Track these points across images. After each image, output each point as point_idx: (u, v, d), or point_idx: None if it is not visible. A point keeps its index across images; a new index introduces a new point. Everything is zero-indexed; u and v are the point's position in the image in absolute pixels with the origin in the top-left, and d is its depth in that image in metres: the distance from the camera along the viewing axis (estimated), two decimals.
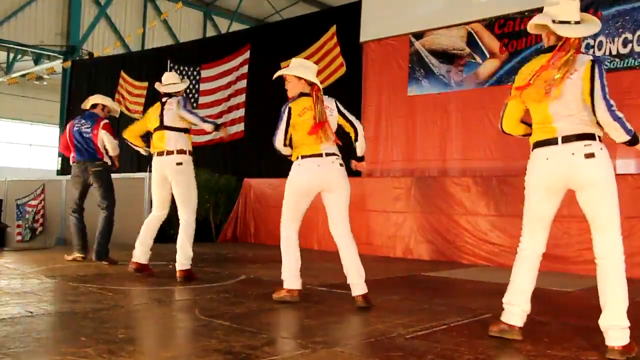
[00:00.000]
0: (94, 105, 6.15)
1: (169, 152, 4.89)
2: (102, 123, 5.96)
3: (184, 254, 4.76)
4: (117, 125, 12.51)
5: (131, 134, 5.35)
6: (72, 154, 6.08)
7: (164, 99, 5.10)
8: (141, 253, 5.00)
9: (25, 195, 10.79)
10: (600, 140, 2.75)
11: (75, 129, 6.02)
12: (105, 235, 5.81)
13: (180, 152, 4.89)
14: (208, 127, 4.94)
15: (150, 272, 5.02)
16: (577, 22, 2.86)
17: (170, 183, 4.92)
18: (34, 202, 10.65)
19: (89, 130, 5.95)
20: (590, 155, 2.70)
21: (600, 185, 2.74)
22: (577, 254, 5.75)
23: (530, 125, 2.97)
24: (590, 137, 2.73)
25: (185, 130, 4.98)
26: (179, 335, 3.02)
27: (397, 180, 7.56)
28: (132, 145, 5.40)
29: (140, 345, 2.61)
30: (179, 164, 4.86)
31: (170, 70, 11.87)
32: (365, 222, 7.50)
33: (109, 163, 5.99)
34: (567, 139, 2.74)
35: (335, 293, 4.29)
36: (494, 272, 5.73)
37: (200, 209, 9.21)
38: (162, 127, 4.97)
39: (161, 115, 4.99)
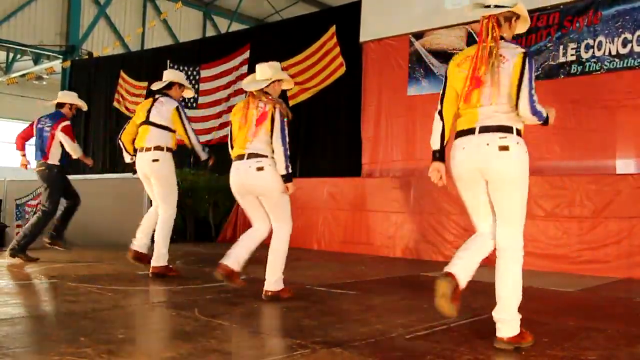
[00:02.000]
0: (61, 105, 6.08)
1: (147, 149, 4.91)
2: (61, 125, 5.88)
3: (157, 250, 4.84)
4: (117, 125, 12.58)
5: (126, 137, 5.20)
6: (21, 152, 6.19)
7: (156, 96, 5.08)
8: (140, 242, 5.01)
9: (25, 195, 10.78)
10: (518, 134, 2.75)
11: (39, 126, 6.02)
12: (30, 234, 5.77)
13: (157, 148, 4.88)
14: (202, 155, 4.98)
15: (148, 262, 4.98)
16: (499, 6, 2.82)
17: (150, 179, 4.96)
18: (33, 202, 10.63)
19: (48, 129, 5.93)
20: (504, 148, 2.70)
21: (509, 179, 2.74)
22: (577, 254, 5.75)
23: None
24: (508, 129, 2.73)
25: (169, 129, 4.93)
26: (179, 335, 3.01)
27: (397, 180, 7.56)
28: (123, 149, 5.24)
29: (139, 345, 2.61)
30: (155, 160, 4.87)
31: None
32: (365, 222, 7.50)
33: (57, 164, 5.89)
34: (485, 129, 2.75)
35: (335, 293, 4.28)
36: (494, 273, 5.72)
37: (200, 209, 9.28)
38: (146, 122, 4.95)
39: (149, 111, 4.97)
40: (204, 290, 4.32)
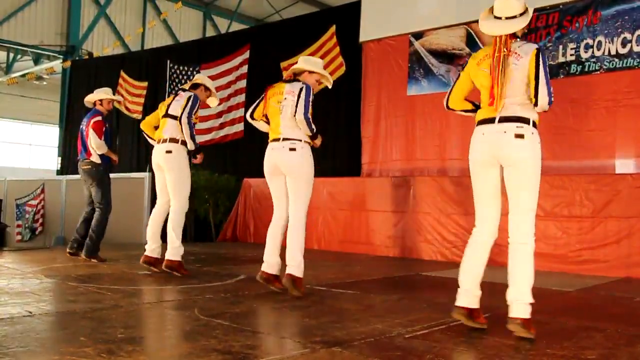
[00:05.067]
0: (94, 103, 6.12)
1: (163, 140, 4.98)
2: (92, 121, 5.90)
3: (170, 244, 4.87)
4: (117, 125, 12.59)
5: (146, 125, 5.33)
6: None
7: (179, 91, 5.19)
8: (150, 248, 5.03)
9: (25, 195, 10.80)
10: (534, 125, 2.97)
11: (81, 126, 6.09)
12: (98, 234, 5.80)
13: (172, 140, 4.94)
14: (189, 144, 4.93)
15: (159, 267, 4.98)
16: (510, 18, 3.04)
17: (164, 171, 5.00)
18: (33, 202, 10.66)
19: (84, 127, 5.99)
20: (520, 136, 2.93)
21: (523, 166, 2.95)
22: (577, 254, 5.75)
23: (474, 104, 3.23)
24: (525, 120, 2.95)
25: None
26: (178, 335, 3.02)
27: (397, 180, 7.57)
28: (147, 137, 5.36)
29: (139, 345, 2.61)
30: (169, 152, 4.92)
31: (170, 70, 11.89)
32: (365, 222, 7.50)
33: (98, 162, 5.88)
34: (504, 119, 2.97)
35: (334, 292, 4.28)
36: (494, 272, 5.73)
37: (200, 209, 9.29)
38: (165, 114, 5.06)
39: (169, 105, 5.08)
40: (204, 289, 4.33)
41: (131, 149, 12.43)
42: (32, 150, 23.94)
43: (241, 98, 10.67)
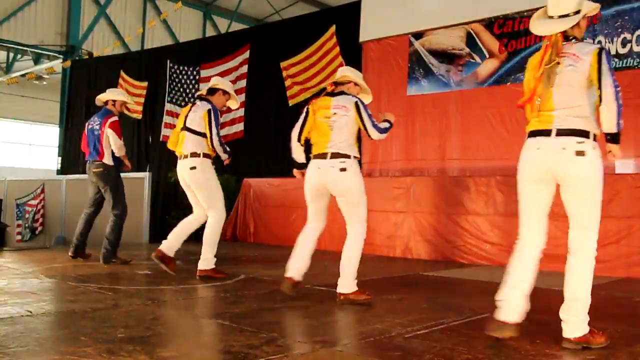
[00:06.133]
0: (106, 102, 5.89)
1: (185, 156, 4.84)
2: (109, 121, 5.69)
3: (204, 255, 4.75)
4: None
5: (173, 145, 5.03)
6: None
7: (195, 101, 5.02)
8: (169, 244, 4.84)
9: (25, 195, 10.80)
10: (594, 139, 2.77)
11: (89, 127, 5.86)
12: (113, 240, 5.62)
13: (194, 155, 4.78)
14: (223, 156, 4.84)
15: (172, 267, 4.83)
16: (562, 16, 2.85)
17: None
18: (33, 202, 10.66)
19: (98, 127, 5.74)
20: (581, 153, 2.71)
21: (585, 184, 2.76)
22: None
23: None
24: (585, 134, 2.73)
25: (203, 134, 4.80)
26: (178, 335, 3.02)
27: (397, 180, 7.56)
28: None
29: (139, 345, 2.61)
30: (193, 168, 4.77)
31: (170, 70, 11.89)
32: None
33: (111, 164, 5.70)
34: (561, 133, 2.74)
35: (334, 292, 4.28)
36: (494, 272, 5.73)
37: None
38: (183, 127, 4.88)
39: (186, 117, 4.91)
40: (204, 289, 4.33)
41: (131, 149, 12.40)
42: (32, 150, 23.95)
43: (241, 98, 10.66)
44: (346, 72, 4.06)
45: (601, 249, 5.77)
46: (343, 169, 3.79)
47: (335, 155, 3.81)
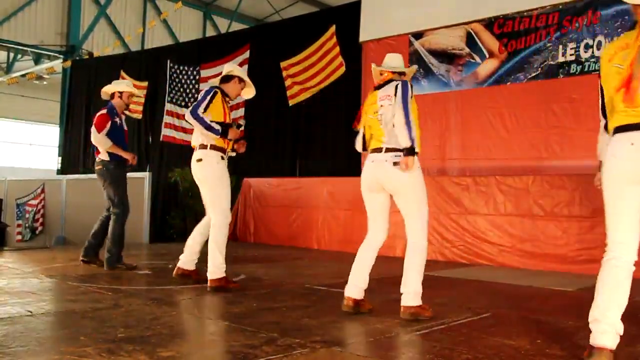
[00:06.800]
0: (112, 95, 5.56)
1: (193, 148, 4.55)
2: (97, 115, 5.37)
3: (212, 262, 4.34)
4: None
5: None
6: None
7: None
8: (185, 259, 4.65)
9: (25, 195, 10.80)
10: None
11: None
12: (115, 243, 5.28)
13: (201, 147, 4.42)
14: (208, 135, 4.37)
15: (195, 277, 4.63)
16: None
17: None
18: (34, 202, 10.66)
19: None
20: None
21: None
22: (577, 254, 5.75)
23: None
24: None
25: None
26: (178, 335, 3.02)
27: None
28: None
29: (139, 345, 2.61)
30: (199, 160, 4.42)
31: (170, 70, 11.89)
32: (365, 222, 7.47)
33: (107, 159, 5.31)
34: None
35: (334, 292, 4.28)
36: (494, 272, 5.74)
37: (200, 209, 9.26)
38: None
39: None
40: (204, 289, 4.33)
41: (132, 149, 12.41)
42: (32, 150, 23.95)
43: (241, 98, 10.66)
44: (386, 64, 3.64)
45: (601, 249, 5.76)
46: (397, 163, 3.45)
47: (390, 149, 3.48)
